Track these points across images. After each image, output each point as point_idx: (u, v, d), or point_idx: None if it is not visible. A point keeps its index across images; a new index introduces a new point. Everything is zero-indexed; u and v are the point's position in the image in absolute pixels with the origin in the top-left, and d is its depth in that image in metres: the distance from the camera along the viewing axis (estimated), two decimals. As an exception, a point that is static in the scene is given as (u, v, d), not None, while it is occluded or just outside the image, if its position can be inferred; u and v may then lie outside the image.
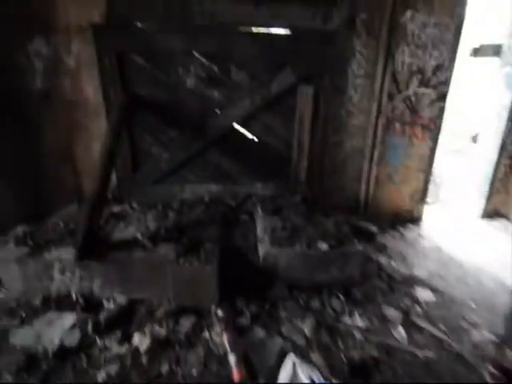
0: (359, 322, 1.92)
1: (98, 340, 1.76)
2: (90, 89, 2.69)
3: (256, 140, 2.94)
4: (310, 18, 2.46)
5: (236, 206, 2.91)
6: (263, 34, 2.51)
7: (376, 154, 3.06)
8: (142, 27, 2.47)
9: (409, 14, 2.64)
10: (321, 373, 1.54)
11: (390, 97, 2.89)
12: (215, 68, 2.62)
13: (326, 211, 2.68)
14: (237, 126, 2.87)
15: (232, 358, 1.60)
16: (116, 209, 2.95)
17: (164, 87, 2.69)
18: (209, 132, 2.84)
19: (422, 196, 3.26)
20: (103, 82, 2.61)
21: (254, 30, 2.50)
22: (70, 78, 2.65)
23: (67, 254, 2.09)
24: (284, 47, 2.57)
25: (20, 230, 2.77)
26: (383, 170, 3.13)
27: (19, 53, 2.55)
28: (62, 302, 2.02)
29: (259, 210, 2.63)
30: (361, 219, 3.00)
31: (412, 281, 2.37)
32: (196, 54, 2.57)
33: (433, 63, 2.80)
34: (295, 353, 1.64)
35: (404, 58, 2.79)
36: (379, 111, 2.92)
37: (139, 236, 2.22)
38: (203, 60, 2.59)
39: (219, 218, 2.58)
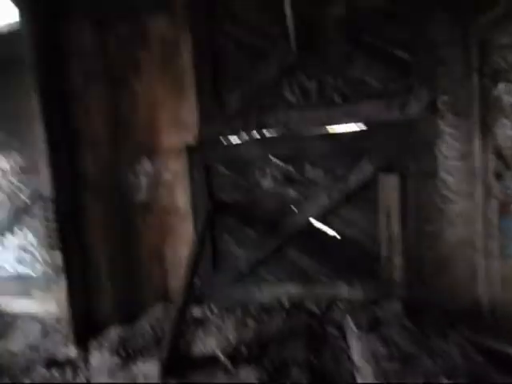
0: None
1: None
2: (181, 197, 2.90)
3: (336, 236, 2.61)
4: (385, 109, 2.31)
5: (321, 313, 2.44)
6: (337, 131, 2.45)
7: (494, 244, 2.34)
8: (226, 142, 2.69)
9: (502, 86, 2.29)
10: None
11: (498, 176, 2.32)
12: (290, 168, 2.58)
13: (437, 324, 1.99)
14: (314, 222, 2.62)
15: None
16: (196, 312, 2.82)
17: (243, 190, 2.73)
18: (285, 229, 2.65)
19: None
20: (192, 190, 2.80)
21: (327, 128, 2.47)
22: (166, 189, 2.93)
23: (152, 367, 1.96)
24: (359, 141, 2.41)
25: (114, 333, 2.80)
26: (509, 264, 2.33)
27: (131, 172, 3.00)
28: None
29: (350, 322, 2.11)
30: (490, 336, 2.13)
31: None
32: (272, 158, 2.62)
33: (547, 133, 2.24)
34: None
35: (505, 131, 2.31)
36: (487, 193, 2.34)
37: (219, 353, 1.94)
38: (278, 162, 2.60)
39: (303, 331, 2.14)
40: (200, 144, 2.73)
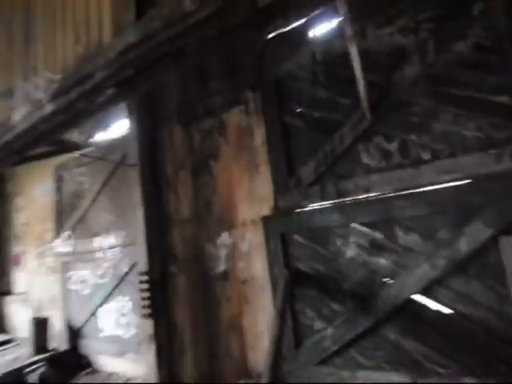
0: None
1: None
2: (258, 267, 2.43)
3: (448, 313, 1.75)
4: (493, 160, 1.63)
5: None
6: (432, 189, 1.79)
7: None
8: (302, 212, 2.21)
9: None
10: None
11: None
12: (378, 235, 1.94)
13: None
14: (416, 297, 1.82)
15: None
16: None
17: (323, 260, 2.14)
18: (379, 305, 1.90)
19: None
20: (269, 260, 2.32)
21: (417, 188, 1.84)
22: (243, 260, 2.51)
23: None
24: (464, 198, 1.72)
25: None
26: None
27: (211, 245, 2.67)
28: None
29: None
30: None
31: None
32: (354, 225, 2.03)
33: None
34: None
35: None
36: None
37: None
38: (363, 229, 2.00)
39: None
40: (276, 215, 2.34)
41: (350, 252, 2.02)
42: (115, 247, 3.31)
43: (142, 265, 2.68)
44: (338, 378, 2.02)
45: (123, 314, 3.30)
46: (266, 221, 2.34)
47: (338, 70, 2.07)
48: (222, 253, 2.59)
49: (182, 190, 2.69)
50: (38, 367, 3.16)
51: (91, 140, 3.57)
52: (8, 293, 4.78)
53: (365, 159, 1.98)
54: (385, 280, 1.89)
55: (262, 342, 2.40)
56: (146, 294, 2.63)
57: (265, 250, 2.32)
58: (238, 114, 2.57)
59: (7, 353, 3.76)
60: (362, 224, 1.98)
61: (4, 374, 2.98)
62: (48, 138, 2.56)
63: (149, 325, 2.60)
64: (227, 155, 2.65)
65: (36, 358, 3.31)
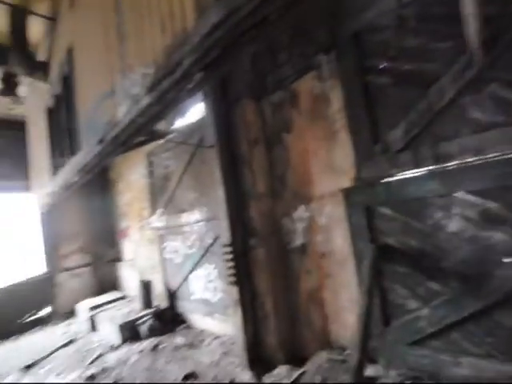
0: None
1: None
2: (338, 241, 2.49)
3: None
4: None
5: None
6: None
7: None
8: (388, 181, 2.11)
9: None
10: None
11: None
12: (492, 204, 1.71)
13: None
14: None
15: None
16: (370, 371, 2.19)
17: (417, 234, 2.03)
18: (494, 286, 1.73)
19: None
20: (351, 234, 2.34)
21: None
22: (322, 233, 2.61)
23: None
24: None
25: (283, 371, 2.55)
26: None
27: (288, 219, 2.86)
28: None
29: None
30: None
31: None
32: (459, 195, 1.84)
33: None
34: None
35: None
36: None
37: None
38: (471, 198, 1.80)
39: None
40: (358, 186, 2.30)
41: (453, 225, 1.85)
42: (200, 222, 3.86)
43: (225, 238, 3.09)
44: (435, 361, 1.99)
45: (210, 280, 3.90)
46: (346, 193, 2.33)
47: (434, 8, 1.78)
48: (299, 226, 2.74)
49: (256, 166, 2.87)
50: (147, 320, 4.15)
51: (173, 127, 4.18)
52: (119, 259, 6.33)
53: (474, 114, 1.70)
54: (504, 259, 1.68)
55: (344, 316, 2.52)
56: (230, 264, 3.08)
57: (345, 223, 2.35)
58: (311, 81, 2.53)
59: (123, 306, 5.03)
60: (470, 192, 1.76)
61: (124, 323, 4.10)
62: (146, 129, 3.10)
63: (234, 291, 2.97)
64: (301, 126, 2.68)
65: (144, 312, 4.28)
